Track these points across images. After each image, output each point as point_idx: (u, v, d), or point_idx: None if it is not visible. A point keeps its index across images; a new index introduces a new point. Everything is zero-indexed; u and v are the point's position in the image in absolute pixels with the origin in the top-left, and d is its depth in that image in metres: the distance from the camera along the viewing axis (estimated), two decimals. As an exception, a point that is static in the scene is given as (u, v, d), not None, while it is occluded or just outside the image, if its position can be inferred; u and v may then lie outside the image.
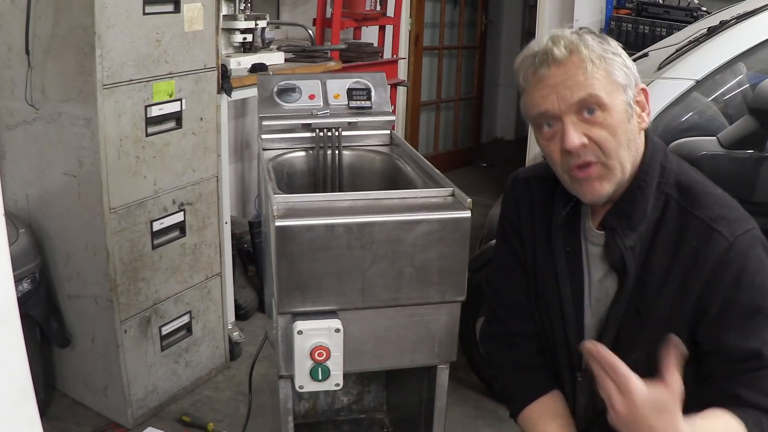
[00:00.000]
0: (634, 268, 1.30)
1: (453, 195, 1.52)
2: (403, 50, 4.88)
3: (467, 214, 1.45)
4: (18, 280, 2.32)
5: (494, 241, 2.67)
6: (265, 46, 3.22)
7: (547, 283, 1.42)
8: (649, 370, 1.32)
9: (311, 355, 1.42)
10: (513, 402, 1.49)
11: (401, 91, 5.01)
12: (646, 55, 3.07)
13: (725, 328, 1.26)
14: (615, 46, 1.29)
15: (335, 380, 1.45)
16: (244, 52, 3.11)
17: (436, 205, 1.47)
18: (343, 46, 3.72)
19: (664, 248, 1.28)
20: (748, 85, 2.51)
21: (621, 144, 1.26)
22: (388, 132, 1.99)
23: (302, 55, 3.41)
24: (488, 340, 1.57)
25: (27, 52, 2.33)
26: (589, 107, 1.24)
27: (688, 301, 1.27)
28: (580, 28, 1.30)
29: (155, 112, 2.43)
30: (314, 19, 3.87)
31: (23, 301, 2.32)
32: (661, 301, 1.28)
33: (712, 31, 2.59)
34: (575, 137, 1.24)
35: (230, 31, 3.05)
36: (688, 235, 1.26)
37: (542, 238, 1.43)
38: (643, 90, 1.31)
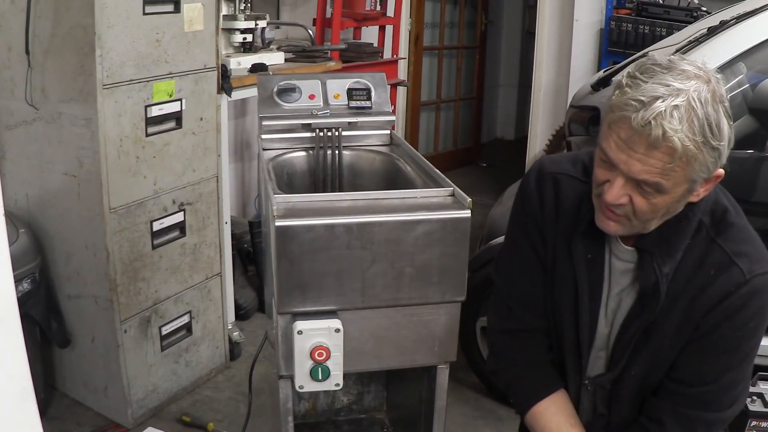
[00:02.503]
0: (664, 294, 1.28)
1: (453, 195, 1.52)
2: (403, 50, 4.88)
3: (467, 214, 1.45)
4: (18, 280, 2.32)
5: (494, 241, 2.70)
6: (265, 46, 3.22)
7: (565, 288, 1.39)
8: (643, 384, 1.34)
9: (311, 355, 1.42)
10: (523, 397, 1.47)
11: (401, 91, 5.01)
12: (646, 55, 3.07)
13: (697, 349, 1.27)
14: (725, 131, 1.14)
15: (335, 380, 1.45)
16: (244, 52, 3.11)
17: (436, 205, 1.47)
18: (343, 46, 3.71)
19: (684, 272, 1.27)
20: (748, 85, 2.51)
21: (656, 216, 1.22)
22: (388, 132, 1.99)
23: (302, 55, 3.41)
24: (500, 335, 1.53)
25: (27, 52, 2.32)
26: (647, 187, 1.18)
27: (689, 327, 1.27)
28: (707, 83, 1.13)
29: (155, 112, 2.43)
30: (314, 19, 3.87)
31: (23, 301, 2.31)
32: (669, 323, 1.28)
33: (712, 31, 2.59)
34: (616, 197, 1.19)
35: (230, 31, 3.05)
36: (707, 263, 1.25)
37: (564, 240, 1.39)
38: (717, 176, 1.21)
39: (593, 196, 1.28)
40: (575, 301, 1.38)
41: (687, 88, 1.11)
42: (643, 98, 1.11)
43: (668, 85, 1.11)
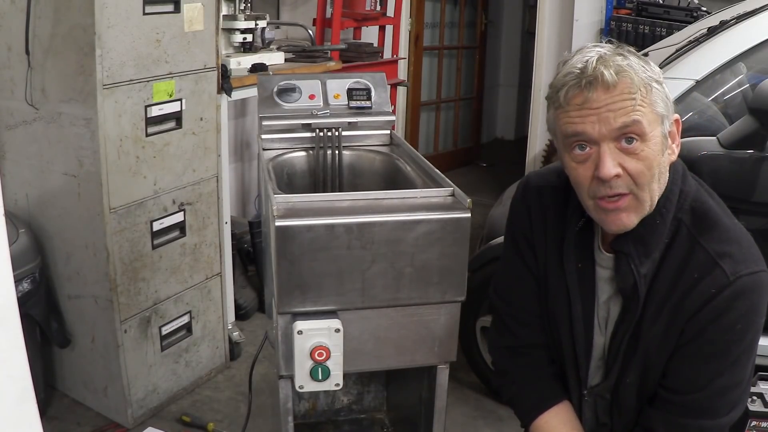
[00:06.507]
0: (643, 296, 1.27)
1: (453, 195, 1.52)
2: (403, 50, 4.88)
3: (467, 214, 1.45)
4: (18, 280, 2.32)
5: (494, 241, 2.70)
6: (265, 46, 3.22)
7: (558, 299, 1.39)
8: (640, 392, 1.33)
9: (311, 355, 1.42)
10: (526, 410, 1.47)
11: (401, 91, 5.01)
12: (646, 55, 3.07)
13: (685, 355, 1.25)
14: (658, 72, 1.22)
15: (335, 380, 1.45)
16: (244, 52, 3.11)
17: (436, 205, 1.47)
18: (343, 46, 3.71)
19: (668, 276, 1.25)
20: (748, 85, 2.52)
21: (653, 177, 1.21)
22: (388, 132, 1.99)
23: (302, 55, 3.41)
24: (500, 353, 1.54)
25: (27, 52, 2.32)
26: (629, 135, 1.18)
27: (675, 332, 1.25)
28: (619, 46, 1.23)
29: (155, 112, 2.43)
30: (314, 19, 3.87)
31: (23, 301, 2.32)
32: (655, 329, 1.27)
33: (712, 31, 2.59)
34: (611, 167, 1.18)
35: (230, 31, 3.05)
36: (691, 266, 1.23)
37: (554, 252, 1.39)
38: (676, 121, 1.26)
39: (588, 199, 1.25)
40: (569, 313, 1.37)
41: (599, 47, 1.22)
42: (577, 65, 1.19)
43: (586, 52, 1.21)
